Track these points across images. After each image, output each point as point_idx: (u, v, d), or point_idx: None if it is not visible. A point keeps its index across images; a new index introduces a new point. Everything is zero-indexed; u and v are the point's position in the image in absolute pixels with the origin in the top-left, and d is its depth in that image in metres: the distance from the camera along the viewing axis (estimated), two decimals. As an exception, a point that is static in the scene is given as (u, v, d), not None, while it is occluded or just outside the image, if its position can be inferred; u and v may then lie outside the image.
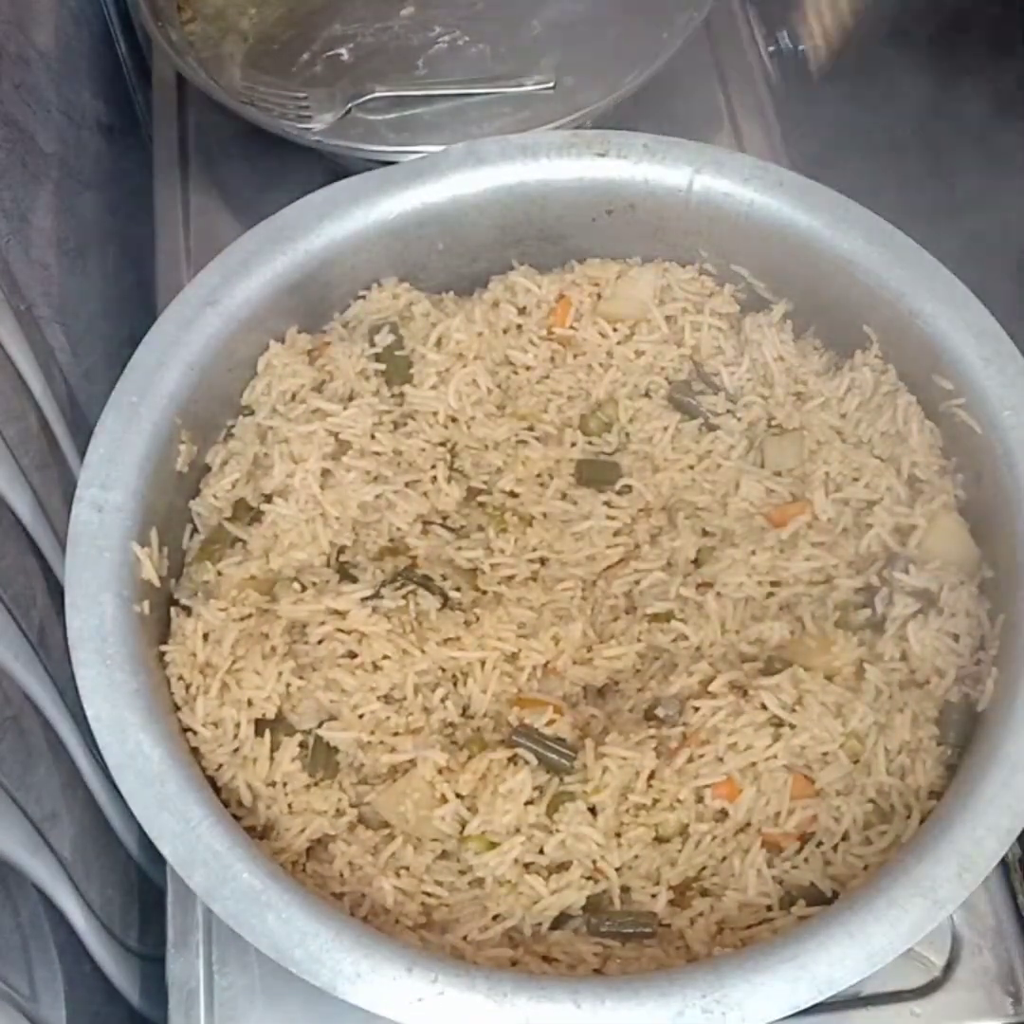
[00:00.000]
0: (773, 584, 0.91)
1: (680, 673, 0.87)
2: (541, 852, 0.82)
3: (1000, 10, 1.07)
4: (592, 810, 0.83)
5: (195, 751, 0.86)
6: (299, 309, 1.00)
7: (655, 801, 0.83)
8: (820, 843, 0.83)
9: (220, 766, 0.85)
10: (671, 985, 0.72)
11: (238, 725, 0.86)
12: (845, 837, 0.83)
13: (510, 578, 0.92)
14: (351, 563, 0.92)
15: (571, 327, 1.02)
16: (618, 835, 0.83)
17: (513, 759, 0.84)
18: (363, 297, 1.03)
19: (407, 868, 0.82)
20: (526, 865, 0.82)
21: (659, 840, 0.83)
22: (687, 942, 0.80)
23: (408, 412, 0.99)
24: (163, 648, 0.88)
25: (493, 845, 0.82)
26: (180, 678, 0.87)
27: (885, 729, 0.85)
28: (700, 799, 0.82)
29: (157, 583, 0.89)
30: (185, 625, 0.89)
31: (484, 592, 0.92)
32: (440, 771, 0.83)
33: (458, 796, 0.82)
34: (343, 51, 1.23)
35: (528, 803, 0.82)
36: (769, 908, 0.82)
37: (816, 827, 0.83)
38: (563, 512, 0.95)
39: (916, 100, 1.17)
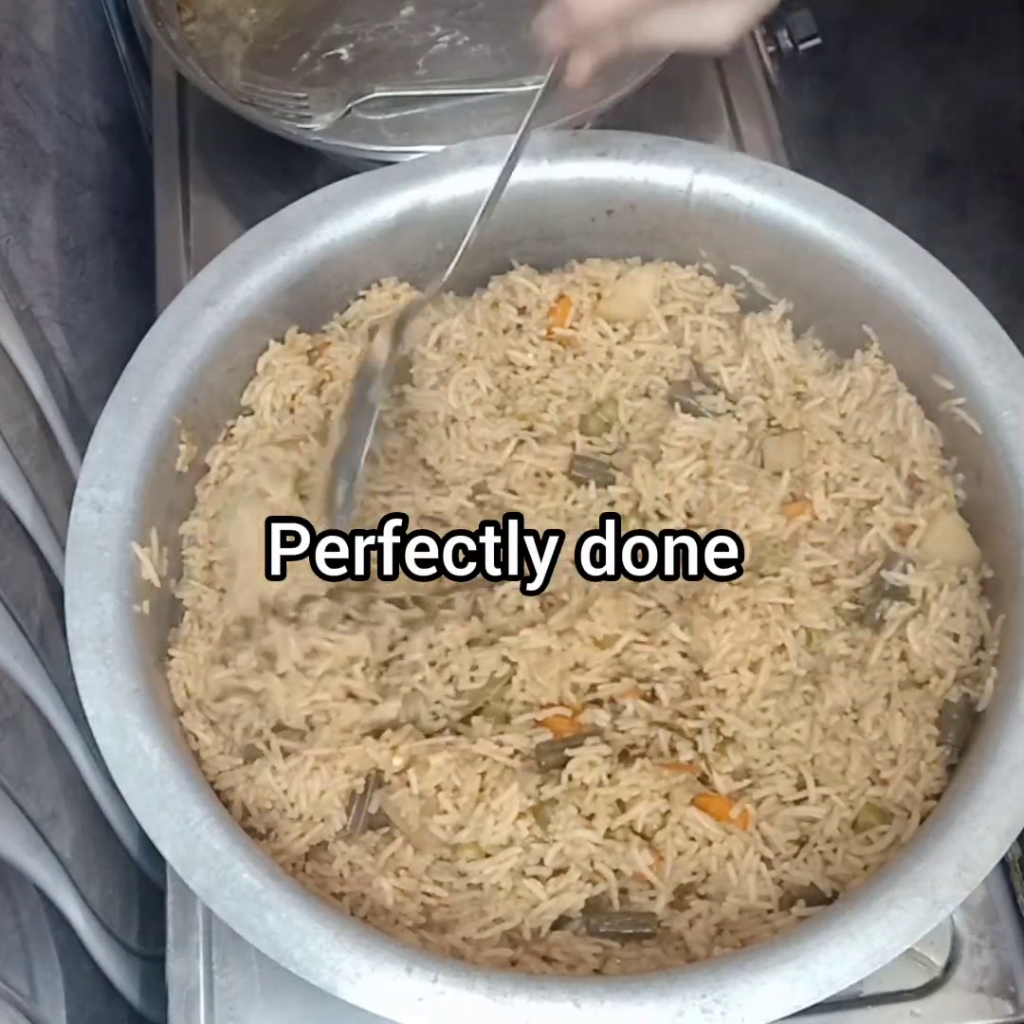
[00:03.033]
0: (773, 584, 0.91)
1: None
2: (541, 863, 0.82)
3: (1001, 12, 1.07)
4: (584, 812, 0.83)
5: (196, 755, 0.86)
6: (299, 309, 1.00)
7: (634, 798, 0.83)
8: (815, 843, 0.83)
9: (220, 772, 0.85)
10: (671, 985, 0.72)
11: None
12: (844, 837, 0.83)
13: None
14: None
15: (571, 327, 1.02)
16: (610, 835, 0.83)
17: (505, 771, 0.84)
18: (363, 297, 1.03)
19: (407, 869, 0.82)
20: (523, 872, 0.82)
21: (644, 837, 0.83)
22: (686, 944, 0.80)
23: (408, 412, 0.99)
24: (170, 652, 0.89)
25: (487, 855, 0.82)
26: (183, 684, 0.87)
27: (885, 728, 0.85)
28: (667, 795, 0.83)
29: (157, 583, 0.89)
30: (191, 630, 0.89)
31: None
32: (441, 782, 0.83)
33: (456, 808, 0.83)
34: (343, 51, 1.23)
35: (519, 817, 0.82)
36: (769, 909, 0.82)
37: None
38: (562, 511, 0.95)
39: (917, 100, 1.17)
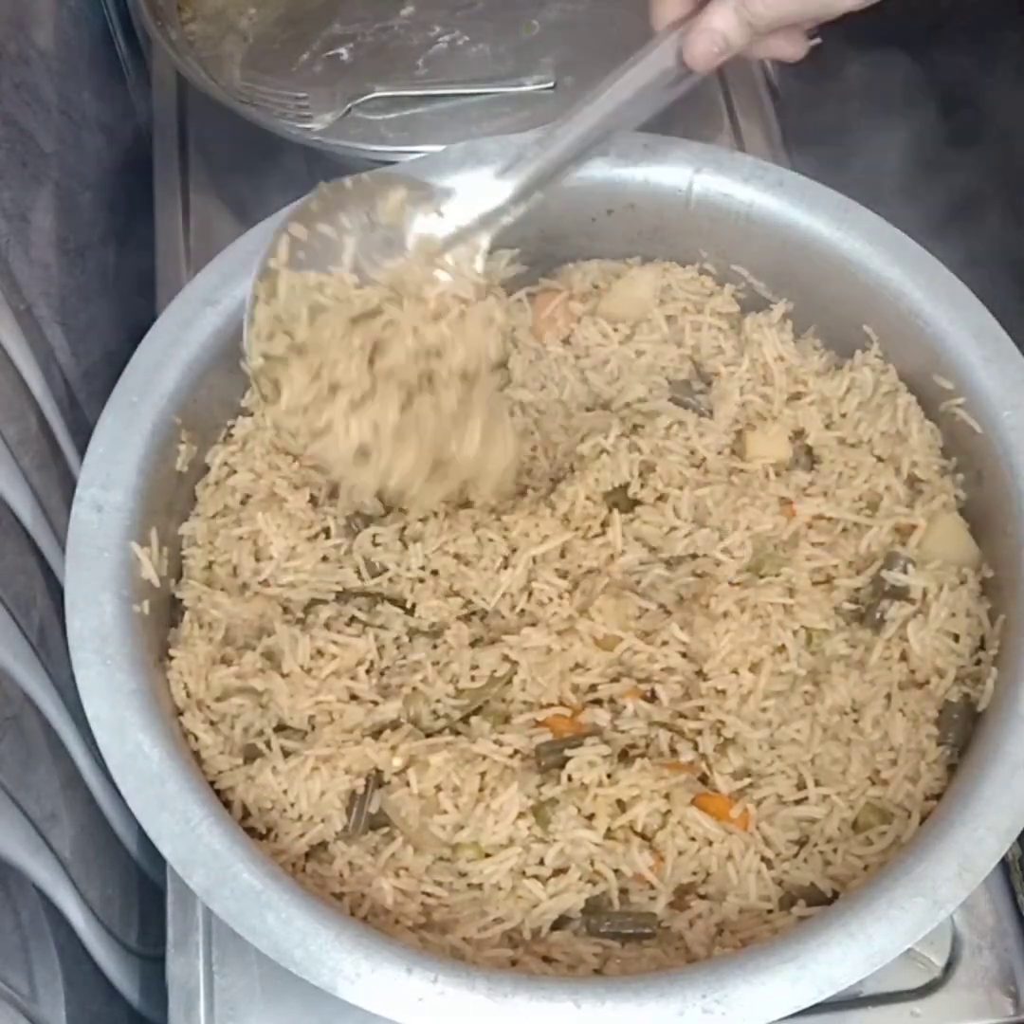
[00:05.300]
0: (774, 584, 0.91)
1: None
2: (542, 863, 0.82)
3: (1003, 12, 1.07)
4: (584, 812, 0.83)
5: (196, 755, 0.86)
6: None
7: (634, 798, 0.83)
8: (815, 843, 0.83)
9: (220, 772, 0.85)
10: (671, 985, 0.72)
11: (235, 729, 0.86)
12: (844, 837, 0.83)
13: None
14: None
15: (571, 327, 1.02)
16: (610, 835, 0.83)
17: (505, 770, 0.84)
18: None
19: (407, 869, 0.82)
20: (523, 872, 0.82)
21: (644, 837, 0.83)
22: (686, 944, 0.80)
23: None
24: (170, 652, 0.89)
25: (487, 855, 0.82)
26: (183, 684, 0.87)
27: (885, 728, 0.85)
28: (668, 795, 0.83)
29: (157, 583, 0.89)
30: (191, 630, 0.89)
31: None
32: (441, 782, 0.83)
33: (456, 807, 0.83)
34: (343, 51, 1.23)
35: (519, 816, 0.82)
36: (769, 909, 0.82)
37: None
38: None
39: (917, 99, 1.17)
